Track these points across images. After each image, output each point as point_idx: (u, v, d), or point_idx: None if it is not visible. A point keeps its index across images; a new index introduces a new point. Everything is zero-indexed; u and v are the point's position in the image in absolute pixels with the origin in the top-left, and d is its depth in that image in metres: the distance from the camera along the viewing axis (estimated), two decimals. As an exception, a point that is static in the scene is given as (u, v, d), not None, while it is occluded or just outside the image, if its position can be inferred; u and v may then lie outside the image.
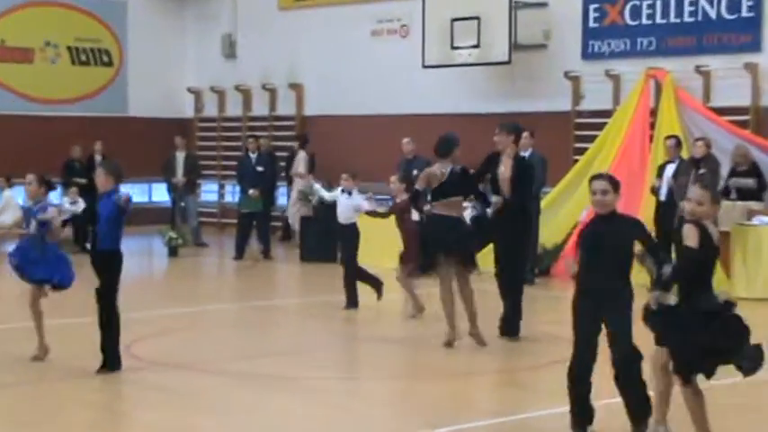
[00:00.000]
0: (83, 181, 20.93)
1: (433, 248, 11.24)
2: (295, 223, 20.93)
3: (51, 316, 10.64)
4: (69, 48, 24.68)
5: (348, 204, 13.66)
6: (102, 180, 9.89)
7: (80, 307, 11.33)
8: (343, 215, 13.69)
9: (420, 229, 12.10)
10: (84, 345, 10.51)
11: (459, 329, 11.27)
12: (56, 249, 10.43)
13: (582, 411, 7.67)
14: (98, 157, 22.03)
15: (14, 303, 14.28)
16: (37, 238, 10.23)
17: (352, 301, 13.60)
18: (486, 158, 11.78)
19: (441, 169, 11.26)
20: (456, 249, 11.16)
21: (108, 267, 9.83)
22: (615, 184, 7.64)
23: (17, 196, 20.13)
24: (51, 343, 10.45)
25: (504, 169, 11.55)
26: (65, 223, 10.52)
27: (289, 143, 23.01)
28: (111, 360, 9.91)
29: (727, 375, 7.27)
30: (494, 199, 11.67)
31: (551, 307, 13.63)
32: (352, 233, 13.66)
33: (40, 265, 10.21)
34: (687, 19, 18.28)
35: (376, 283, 13.88)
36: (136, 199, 26.44)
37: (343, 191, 13.76)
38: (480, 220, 18.06)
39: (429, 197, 11.49)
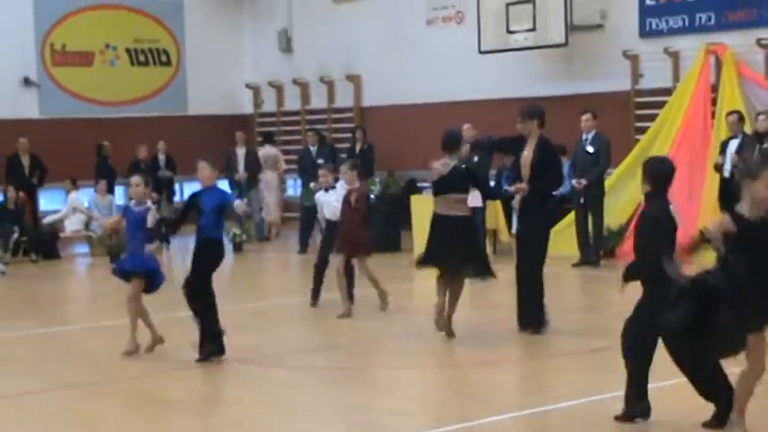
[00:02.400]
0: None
1: (442, 258, 10.99)
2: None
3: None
4: (128, 49, 24.95)
5: (330, 200, 13.04)
6: (207, 174, 10.40)
7: (164, 304, 11.47)
8: (329, 211, 13.08)
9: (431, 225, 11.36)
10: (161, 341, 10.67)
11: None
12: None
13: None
14: (161, 157, 22.24)
15: (106, 303, 14.49)
16: (139, 241, 10.58)
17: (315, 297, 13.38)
18: (517, 136, 11.41)
19: (442, 164, 11.01)
20: (469, 269, 11.00)
21: (206, 253, 10.22)
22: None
23: (83, 198, 20.42)
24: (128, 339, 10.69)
25: (528, 153, 11.22)
26: (159, 223, 10.88)
27: (348, 134, 23.07)
28: (214, 345, 10.19)
29: None
30: (512, 188, 11.41)
31: (617, 288, 13.50)
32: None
33: (128, 259, 10.70)
34: (745, -8, 18.06)
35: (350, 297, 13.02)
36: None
37: (326, 189, 13.16)
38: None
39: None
